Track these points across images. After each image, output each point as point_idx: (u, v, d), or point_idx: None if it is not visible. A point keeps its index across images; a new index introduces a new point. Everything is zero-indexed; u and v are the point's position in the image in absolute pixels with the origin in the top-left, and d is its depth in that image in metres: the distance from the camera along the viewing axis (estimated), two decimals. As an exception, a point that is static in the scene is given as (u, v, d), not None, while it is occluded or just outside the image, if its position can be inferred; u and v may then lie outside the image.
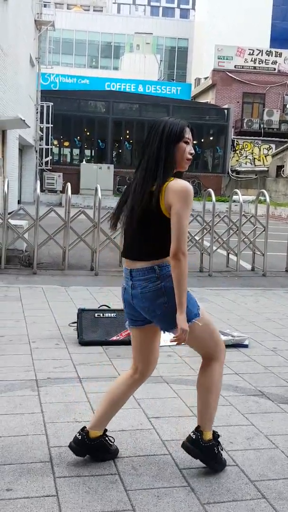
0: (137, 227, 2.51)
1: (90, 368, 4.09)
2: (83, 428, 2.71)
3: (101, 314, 4.83)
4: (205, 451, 2.64)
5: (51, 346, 4.57)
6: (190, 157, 2.56)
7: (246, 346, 4.79)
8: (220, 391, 2.72)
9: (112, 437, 2.79)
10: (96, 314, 4.82)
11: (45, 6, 27.02)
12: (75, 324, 4.85)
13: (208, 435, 2.66)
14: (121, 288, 2.71)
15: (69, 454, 2.77)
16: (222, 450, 2.72)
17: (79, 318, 4.75)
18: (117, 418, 3.19)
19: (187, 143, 2.54)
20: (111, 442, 2.77)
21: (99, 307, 5.16)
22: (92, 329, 4.72)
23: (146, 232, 2.49)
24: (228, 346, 4.74)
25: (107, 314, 4.84)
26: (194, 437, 2.67)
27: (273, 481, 2.60)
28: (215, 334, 2.63)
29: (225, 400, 3.57)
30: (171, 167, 2.50)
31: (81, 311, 4.80)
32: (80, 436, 2.69)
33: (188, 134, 2.55)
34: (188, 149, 2.55)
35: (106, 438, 2.73)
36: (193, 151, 2.58)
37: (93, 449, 2.69)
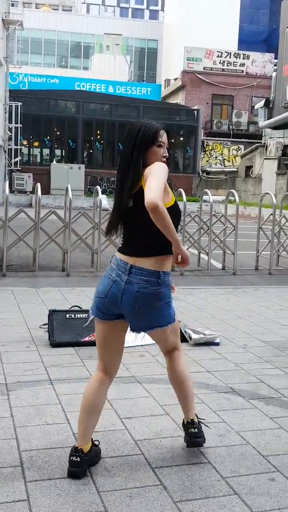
0: (136, 225, 2.57)
1: (61, 369, 4.04)
2: (76, 449, 2.59)
3: (73, 315, 4.79)
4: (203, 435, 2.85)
5: (21, 349, 4.51)
6: (163, 160, 2.58)
7: (217, 344, 4.81)
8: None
9: (97, 440, 2.79)
10: (67, 315, 4.78)
11: (12, 5, 26.73)
12: (46, 326, 4.79)
13: (196, 418, 2.86)
14: (105, 278, 2.61)
15: (40, 458, 2.73)
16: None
17: (50, 320, 4.70)
18: (89, 419, 3.16)
19: (160, 146, 2.56)
20: (97, 444, 2.76)
21: (70, 308, 5.12)
22: (63, 330, 4.68)
23: (145, 229, 2.50)
24: (199, 344, 4.76)
25: (78, 315, 4.80)
26: (197, 431, 2.79)
27: (245, 476, 2.62)
28: (177, 327, 2.77)
29: (197, 397, 3.57)
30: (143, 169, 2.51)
31: (52, 312, 4.75)
32: (78, 458, 2.57)
33: (162, 137, 2.57)
34: (161, 152, 2.57)
35: (95, 443, 2.72)
36: (166, 154, 2.59)
37: (91, 460, 2.65)
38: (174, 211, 2.56)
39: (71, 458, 2.58)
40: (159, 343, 2.80)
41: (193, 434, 2.81)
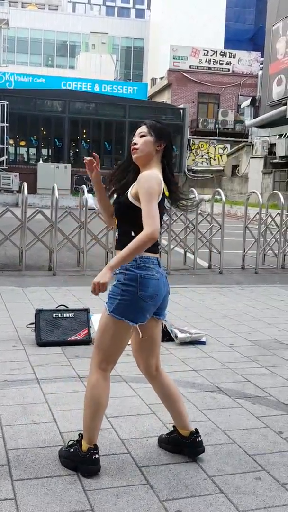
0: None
1: (48, 369, 4.04)
2: (96, 446, 2.62)
3: (59, 314, 4.78)
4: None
5: (8, 348, 4.49)
6: (132, 148, 2.68)
7: (203, 343, 4.83)
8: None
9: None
10: (54, 315, 4.77)
11: (-2, 3, 26.55)
12: (33, 325, 4.78)
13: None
14: (155, 278, 2.58)
15: (27, 456, 2.73)
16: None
17: (37, 319, 4.69)
18: (75, 418, 3.17)
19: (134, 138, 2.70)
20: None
21: (57, 307, 5.11)
22: (50, 330, 4.67)
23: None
24: (186, 343, 4.77)
25: (65, 314, 4.80)
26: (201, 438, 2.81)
27: (231, 475, 2.64)
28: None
29: (183, 396, 3.58)
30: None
31: (39, 312, 4.74)
32: (97, 456, 2.60)
33: (136, 131, 2.70)
34: (132, 143, 2.69)
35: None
36: (133, 141, 2.67)
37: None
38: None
39: (94, 456, 2.58)
40: (152, 349, 2.76)
41: (201, 443, 2.77)
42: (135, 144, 2.65)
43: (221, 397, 3.62)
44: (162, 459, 2.76)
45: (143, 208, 2.48)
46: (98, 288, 2.43)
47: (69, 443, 2.73)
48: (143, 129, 2.68)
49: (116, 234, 2.70)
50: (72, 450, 2.66)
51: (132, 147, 2.66)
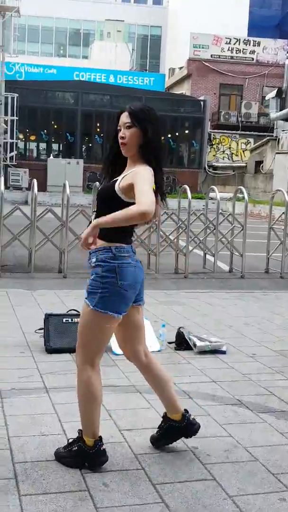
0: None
1: (57, 377, 4.05)
2: (100, 438, 2.82)
3: (70, 319, 4.80)
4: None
5: (15, 355, 4.52)
6: (120, 143, 2.73)
7: (223, 352, 4.81)
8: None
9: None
10: (64, 319, 4.79)
11: (8, -10, 26.76)
12: (42, 331, 4.80)
13: None
14: (125, 269, 2.71)
15: (35, 470, 2.74)
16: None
17: (46, 324, 4.71)
18: (86, 431, 3.17)
19: (119, 130, 2.74)
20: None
21: (67, 312, 5.12)
22: (60, 336, 4.69)
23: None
24: (205, 352, 4.76)
25: (76, 319, 4.80)
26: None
27: (253, 495, 2.62)
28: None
29: (202, 409, 3.58)
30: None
31: (48, 316, 4.76)
32: (104, 446, 2.82)
33: (120, 120, 2.74)
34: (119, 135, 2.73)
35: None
36: (121, 135, 2.72)
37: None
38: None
39: (102, 447, 2.78)
40: (138, 336, 2.93)
41: (194, 420, 3.00)
42: (122, 138, 2.71)
43: (242, 411, 3.60)
44: (179, 476, 2.75)
45: (139, 188, 2.56)
46: (88, 243, 2.63)
47: (69, 441, 2.85)
48: (127, 118, 2.72)
49: (92, 219, 2.74)
50: (75, 448, 2.78)
51: (120, 141, 2.72)
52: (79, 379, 2.80)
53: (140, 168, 2.68)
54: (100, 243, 2.69)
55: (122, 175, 2.73)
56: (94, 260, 2.72)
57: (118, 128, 2.74)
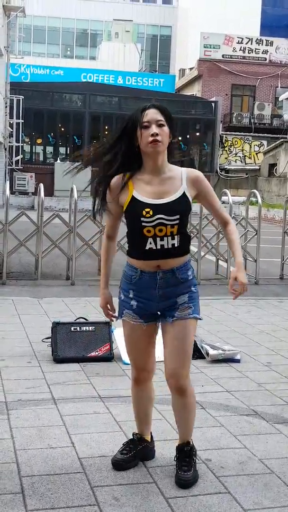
0: None
1: (65, 388, 4.05)
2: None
3: (78, 328, 4.80)
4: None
5: (22, 365, 4.53)
6: (151, 141, 2.64)
7: (238, 361, 4.79)
8: None
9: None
10: (72, 328, 4.79)
11: (14, -10, 26.99)
12: (49, 340, 4.81)
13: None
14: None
15: (42, 484, 2.74)
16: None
17: (54, 333, 4.72)
18: (96, 442, 3.18)
19: (146, 127, 2.65)
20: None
21: (75, 320, 5.13)
22: (68, 345, 4.69)
23: None
24: (218, 361, 4.74)
25: (84, 328, 4.81)
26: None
27: (268, 509, 2.60)
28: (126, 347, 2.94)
29: (215, 420, 3.56)
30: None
31: (56, 325, 4.76)
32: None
33: (147, 116, 2.66)
34: (149, 133, 2.63)
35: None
36: (154, 131, 2.63)
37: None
38: (129, 211, 2.72)
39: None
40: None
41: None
42: (157, 135, 2.63)
43: (257, 422, 3.58)
44: (192, 490, 2.73)
45: (218, 202, 2.82)
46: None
47: (191, 462, 2.84)
48: (158, 115, 2.66)
49: (171, 241, 2.68)
50: (196, 459, 2.88)
51: (152, 138, 2.62)
52: (190, 391, 2.84)
53: (199, 173, 2.80)
54: (186, 258, 2.77)
55: (176, 182, 2.73)
56: (190, 273, 2.78)
57: (145, 124, 2.63)
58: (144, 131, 2.63)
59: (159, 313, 2.78)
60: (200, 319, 2.82)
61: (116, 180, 2.74)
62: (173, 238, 2.67)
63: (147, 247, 2.67)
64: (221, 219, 2.85)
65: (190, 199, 2.73)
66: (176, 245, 2.69)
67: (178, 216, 2.67)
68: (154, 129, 2.63)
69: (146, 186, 2.69)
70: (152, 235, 2.65)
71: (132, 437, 3.02)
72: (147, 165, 2.71)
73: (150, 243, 2.67)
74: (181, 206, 2.69)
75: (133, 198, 2.68)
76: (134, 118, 2.67)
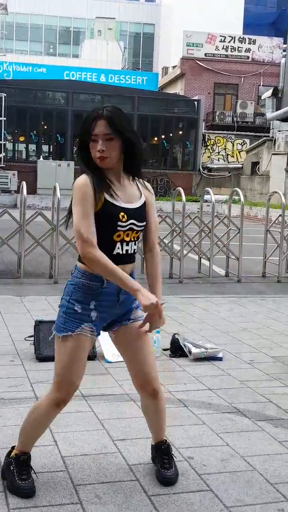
0: None
1: (48, 386, 4.01)
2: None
3: (61, 327, 4.78)
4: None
5: (5, 363, 4.51)
6: (97, 158, 2.53)
7: (220, 359, 4.81)
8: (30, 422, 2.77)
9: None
10: (55, 327, 4.77)
11: (-4, -14, 26.81)
12: (32, 338, 4.79)
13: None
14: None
15: (25, 484, 2.72)
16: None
17: (37, 331, 4.70)
18: (79, 441, 3.18)
19: (94, 141, 2.52)
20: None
21: (58, 319, 5.11)
22: (51, 343, 4.67)
23: None
24: (200, 359, 4.76)
25: (67, 327, 4.80)
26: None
27: (251, 506, 2.62)
28: (61, 363, 2.66)
29: (197, 418, 3.58)
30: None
31: (39, 323, 4.75)
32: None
33: (95, 129, 2.50)
34: (97, 147, 2.51)
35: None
36: (100, 148, 2.50)
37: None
38: (103, 215, 2.54)
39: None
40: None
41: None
42: (102, 151, 2.49)
43: (239, 419, 3.61)
44: (174, 487, 2.75)
45: (156, 221, 2.74)
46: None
47: (170, 450, 2.89)
48: (105, 129, 2.48)
49: (133, 246, 2.64)
50: (173, 455, 2.89)
51: (99, 154, 2.50)
52: (162, 391, 2.79)
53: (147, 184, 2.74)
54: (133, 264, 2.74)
55: (134, 189, 2.66)
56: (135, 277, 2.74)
57: (93, 138, 2.50)
58: (93, 144, 2.52)
59: (112, 322, 2.72)
60: None
61: (86, 180, 2.56)
62: (135, 244, 2.65)
63: (114, 252, 2.58)
64: (149, 240, 2.72)
65: (149, 208, 2.71)
66: (135, 251, 2.68)
67: (145, 223, 2.65)
68: (100, 144, 2.50)
69: (115, 189, 2.59)
70: (120, 240, 2.59)
71: (19, 458, 2.73)
72: (109, 173, 2.60)
73: (118, 248, 2.59)
74: (144, 213, 2.67)
75: (105, 200, 2.54)
76: (85, 128, 2.53)
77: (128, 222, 2.58)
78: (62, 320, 2.65)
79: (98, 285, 2.60)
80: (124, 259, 2.62)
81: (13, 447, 2.79)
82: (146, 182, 2.74)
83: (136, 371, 2.74)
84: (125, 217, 2.57)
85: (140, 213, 2.63)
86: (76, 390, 2.70)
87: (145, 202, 2.67)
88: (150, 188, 2.75)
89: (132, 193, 2.64)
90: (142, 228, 2.66)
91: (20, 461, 2.71)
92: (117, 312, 2.69)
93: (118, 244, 2.59)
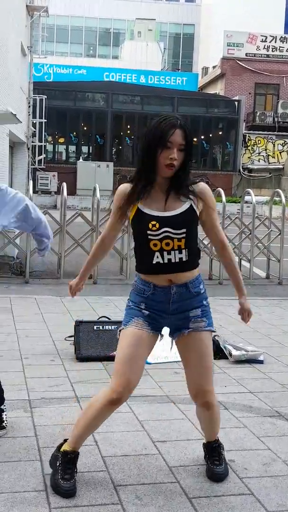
0: None
1: (88, 386, 4.07)
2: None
3: (101, 327, 4.82)
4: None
5: (45, 363, 4.56)
6: (167, 166, 2.56)
7: (261, 362, 4.77)
8: None
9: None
10: (95, 327, 4.81)
11: (37, -10, 27.15)
12: (72, 338, 4.84)
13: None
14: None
15: (66, 482, 2.75)
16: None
17: (77, 331, 4.74)
18: (119, 441, 3.19)
19: (168, 148, 2.54)
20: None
21: (98, 319, 5.15)
22: (91, 343, 4.71)
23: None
24: (241, 361, 4.72)
25: (107, 327, 4.83)
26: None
27: (293, 511, 2.58)
28: (118, 359, 2.70)
29: (239, 421, 3.55)
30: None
31: (79, 324, 4.79)
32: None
33: (172, 136, 2.53)
34: (168, 155, 2.54)
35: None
36: (173, 156, 2.54)
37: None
38: (136, 223, 2.67)
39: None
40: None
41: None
42: (175, 160, 2.54)
43: (281, 423, 3.56)
44: (215, 490, 2.73)
45: (217, 222, 2.74)
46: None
47: (221, 449, 2.96)
48: (181, 139, 2.54)
49: (178, 255, 2.62)
50: (224, 453, 2.94)
51: (169, 162, 2.54)
52: (216, 404, 2.84)
53: (205, 185, 2.69)
54: (197, 271, 2.73)
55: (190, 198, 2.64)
56: (201, 286, 2.75)
57: (168, 145, 2.52)
58: (166, 150, 2.53)
59: (168, 328, 2.73)
60: (214, 331, 2.78)
61: (124, 188, 2.68)
62: (180, 252, 2.61)
63: (154, 261, 2.61)
64: (220, 240, 2.76)
65: (197, 212, 2.65)
66: (184, 259, 2.63)
67: (185, 230, 2.60)
68: (174, 153, 2.54)
69: (153, 198, 2.63)
70: (159, 249, 2.59)
71: (67, 455, 2.74)
72: (160, 180, 2.62)
73: (157, 257, 2.60)
74: (188, 219, 2.62)
75: (138, 210, 2.62)
76: (159, 133, 2.54)
77: (162, 230, 2.58)
78: (124, 319, 2.77)
79: (148, 289, 2.68)
80: (168, 269, 2.62)
81: (65, 440, 2.82)
82: (199, 184, 2.69)
83: (192, 381, 2.76)
84: (157, 225, 2.58)
85: (178, 220, 2.60)
86: (132, 390, 2.70)
87: (190, 206, 2.63)
88: (203, 188, 2.68)
89: (174, 201, 2.63)
90: (183, 235, 2.60)
91: (67, 459, 2.73)
92: (172, 318, 2.70)
93: (157, 254, 2.61)
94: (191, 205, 2.64)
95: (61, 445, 2.80)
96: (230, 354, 4.76)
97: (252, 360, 4.75)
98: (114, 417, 3.53)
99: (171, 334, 2.76)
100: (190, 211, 2.63)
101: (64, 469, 2.70)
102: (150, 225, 2.58)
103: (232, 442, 3.26)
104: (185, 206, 2.63)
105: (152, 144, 2.55)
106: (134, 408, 3.69)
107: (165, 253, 2.60)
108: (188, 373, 2.76)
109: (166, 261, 2.61)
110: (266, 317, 6.45)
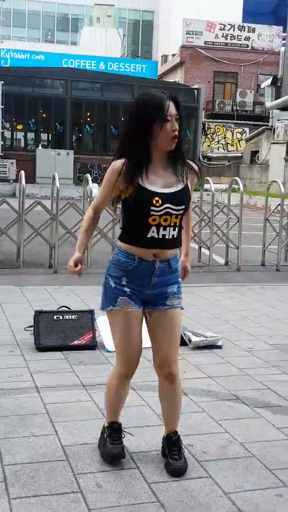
0: None
1: (49, 376, 4.06)
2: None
3: (61, 316, 4.80)
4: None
5: (4, 353, 4.52)
6: (173, 136, 2.63)
7: (219, 347, 4.84)
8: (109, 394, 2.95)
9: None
10: (55, 316, 4.79)
11: (-7, -27, 26.55)
12: (32, 328, 4.81)
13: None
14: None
15: (25, 472, 2.75)
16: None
17: (36, 321, 4.71)
18: (79, 430, 3.20)
19: (167, 120, 2.62)
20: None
21: (58, 309, 5.13)
22: (51, 333, 4.69)
23: None
24: (200, 347, 4.78)
25: (67, 316, 4.82)
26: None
27: (249, 492, 2.65)
28: (118, 344, 2.83)
29: (197, 405, 3.60)
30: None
31: (38, 313, 4.76)
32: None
33: (169, 110, 2.61)
34: (170, 127, 2.62)
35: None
36: (176, 127, 2.63)
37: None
38: (137, 199, 2.65)
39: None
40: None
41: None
42: (177, 131, 2.63)
43: (238, 406, 3.63)
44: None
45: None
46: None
47: (180, 442, 2.96)
48: (175, 110, 2.64)
49: (172, 232, 2.69)
50: (183, 447, 2.93)
51: (174, 134, 2.61)
52: (179, 378, 2.89)
53: (194, 165, 2.80)
54: (177, 250, 2.80)
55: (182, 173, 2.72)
56: (178, 264, 2.84)
57: (168, 119, 2.60)
58: (167, 124, 2.60)
59: (146, 301, 2.79)
60: (183, 309, 2.88)
61: (120, 164, 2.66)
62: (174, 229, 2.69)
63: (148, 235, 2.66)
64: (189, 212, 2.87)
65: (191, 189, 2.76)
66: (175, 236, 2.71)
67: (183, 206, 2.68)
68: (175, 125, 2.62)
69: (152, 175, 2.66)
70: (157, 224, 2.65)
71: (112, 427, 2.94)
72: (156, 156, 2.67)
73: (153, 232, 2.66)
74: (186, 196, 2.71)
75: (138, 186, 2.62)
76: (153, 110, 2.59)
77: (163, 207, 2.64)
78: (102, 296, 2.82)
79: (130, 262, 2.70)
80: (160, 243, 2.69)
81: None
82: (192, 162, 2.80)
83: (160, 351, 2.83)
84: (160, 202, 2.63)
85: (177, 197, 2.67)
86: (138, 362, 2.85)
87: (186, 185, 2.72)
88: (192, 164, 2.81)
89: (173, 177, 2.70)
90: (181, 212, 2.69)
91: (113, 428, 2.91)
92: (149, 293, 2.76)
93: (153, 228, 2.65)
94: (187, 183, 2.73)
95: (104, 427, 2.98)
96: (189, 341, 4.81)
97: (211, 346, 4.81)
98: (74, 405, 3.55)
99: (145, 307, 2.81)
100: (187, 187, 2.73)
101: (111, 437, 2.88)
102: (154, 201, 2.62)
103: (191, 426, 3.30)
104: (183, 183, 2.72)
105: (147, 120, 2.59)
106: (94, 397, 3.70)
107: (161, 229, 2.67)
108: (157, 344, 2.83)
109: (160, 236, 2.67)
110: (225, 303, 6.53)
